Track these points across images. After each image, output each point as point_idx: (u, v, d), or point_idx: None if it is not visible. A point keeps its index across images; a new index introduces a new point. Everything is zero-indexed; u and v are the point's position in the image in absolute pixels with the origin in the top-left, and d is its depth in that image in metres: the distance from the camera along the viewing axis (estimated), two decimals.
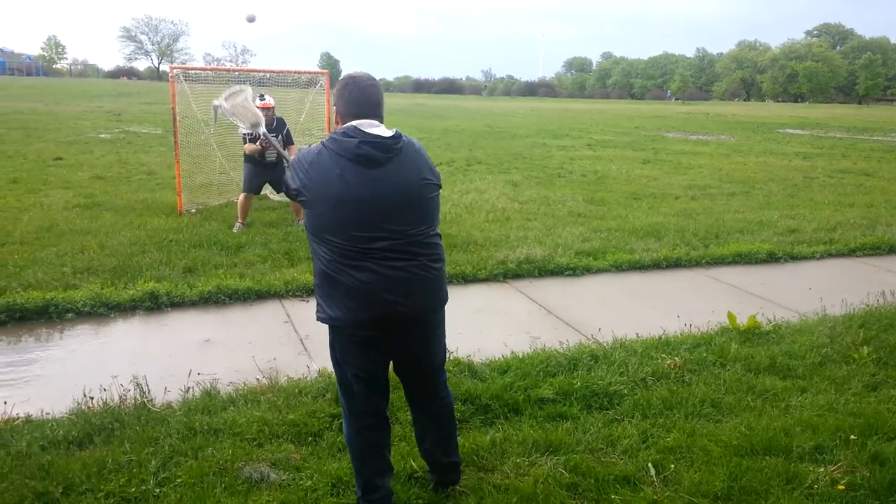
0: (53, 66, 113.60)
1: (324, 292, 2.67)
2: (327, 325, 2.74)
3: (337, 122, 2.71)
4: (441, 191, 2.80)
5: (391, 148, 2.61)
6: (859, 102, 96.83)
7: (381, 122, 2.67)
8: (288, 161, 8.30)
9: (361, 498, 2.87)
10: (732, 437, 3.52)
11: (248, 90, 4.02)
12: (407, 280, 2.64)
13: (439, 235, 2.78)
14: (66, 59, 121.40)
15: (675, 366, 4.35)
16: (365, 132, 2.59)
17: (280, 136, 8.07)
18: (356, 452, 2.86)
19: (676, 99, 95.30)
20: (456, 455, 3.12)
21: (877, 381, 4.27)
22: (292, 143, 8.34)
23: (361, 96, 2.66)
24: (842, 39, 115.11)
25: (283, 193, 8.44)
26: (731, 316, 5.17)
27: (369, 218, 2.56)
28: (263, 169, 8.08)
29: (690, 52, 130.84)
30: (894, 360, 4.57)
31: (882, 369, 4.43)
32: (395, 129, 2.65)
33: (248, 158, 8.02)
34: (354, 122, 2.62)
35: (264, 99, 8.00)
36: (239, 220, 8.11)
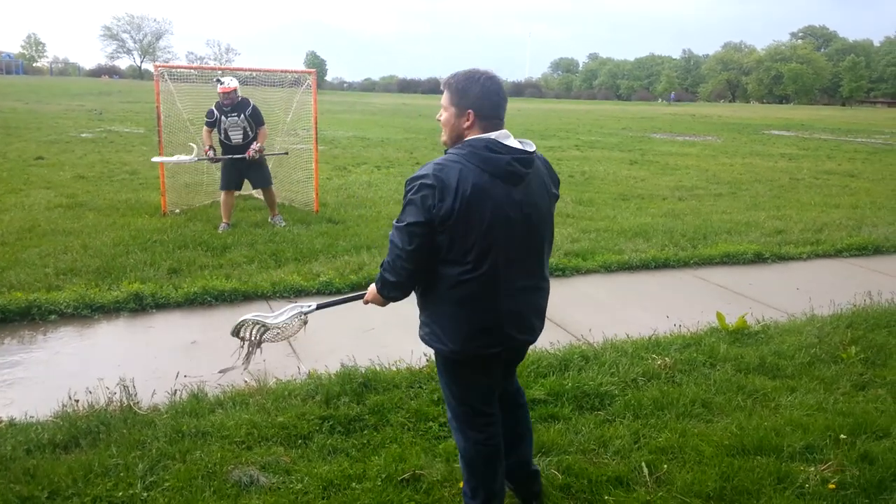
0: (34, 65, 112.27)
1: (448, 321, 2.50)
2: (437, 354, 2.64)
3: (466, 123, 2.44)
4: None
5: (532, 163, 2.46)
6: (843, 104, 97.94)
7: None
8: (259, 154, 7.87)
9: None
10: (724, 437, 3.52)
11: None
12: (538, 308, 2.63)
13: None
14: (46, 57, 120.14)
15: (665, 366, 4.35)
16: (509, 147, 2.40)
17: (243, 115, 7.92)
18: (482, 463, 2.70)
19: (678, 100, 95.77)
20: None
21: (865, 381, 4.30)
22: (262, 124, 8.12)
23: (501, 98, 2.45)
24: (826, 42, 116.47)
25: (261, 189, 8.38)
26: (720, 316, 5.18)
27: (515, 239, 2.44)
28: (238, 164, 7.99)
29: (676, 54, 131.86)
30: (881, 360, 4.60)
31: (870, 369, 4.46)
32: (528, 141, 2.49)
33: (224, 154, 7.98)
34: (493, 135, 2.40)
35: (222, 83, 7.89)
36: (224, 220, 8.03)
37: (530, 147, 2.46)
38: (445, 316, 2.51)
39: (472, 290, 2.44)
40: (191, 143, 8.23)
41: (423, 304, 2.60)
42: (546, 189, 2.56)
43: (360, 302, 2.89)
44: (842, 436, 3.53)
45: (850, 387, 4.19)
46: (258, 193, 9.78)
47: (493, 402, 2.72)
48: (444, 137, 2.54)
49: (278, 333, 3.30)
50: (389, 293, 2.59)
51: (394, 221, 2.47)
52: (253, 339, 3.28)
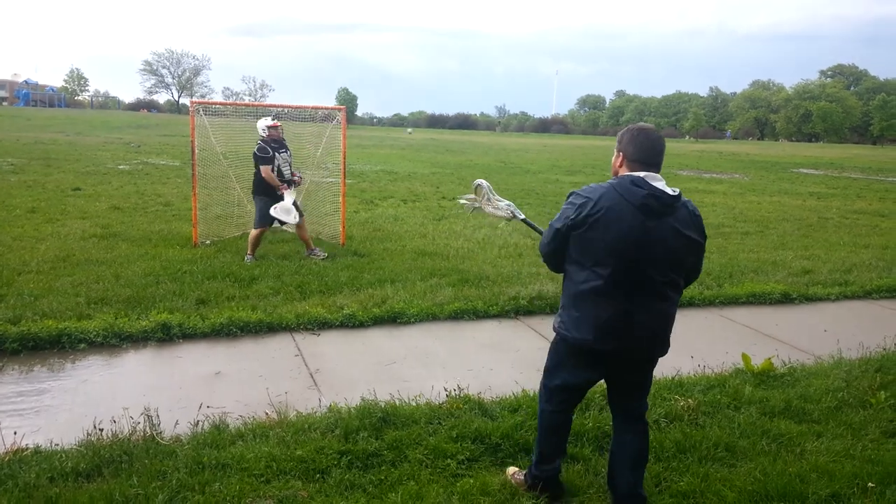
0: (75, 98, 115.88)
1: (571, 313, 2.98)
2: (556, 335, 3.11)
3: (620, 165, 2.98)
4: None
5: (670, 205, 2.86)
6: (874, 143, 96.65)
7: (660, 170, 2.93)
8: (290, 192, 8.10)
9: (535, 465, 3.30)
10: (747, 483, 3.45)
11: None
12: (651, 321, 2.94)
13: (681, 287, 3.05)
14: (87, 91, 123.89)
15: (688, 408, 4.29)
16: (651, 185, 2.84)
17: (289, 152, 8.40)
18: (544, 428, 3.28)
19: (735, 137, 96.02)
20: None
21: (895, 428, 4.18)
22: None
23: (651, 146, 2.92)
24: (856, 80, 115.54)
25: (287, 224, 8.50)
26: (745, 357, 5.11)
27: (640, 262, 2.84)
28: (275, 202, 8.19)
29: (703, 91, 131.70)
30: None
31: None
32: (677, 189, 2.90)
33: (263, 192, 8.13)
34: (643, 174, 2.87)
35: (274, 119, 8.32)
36: (249, 253, 8.19)
37: (674, 192, 2.87)
38: (573, 307, 2.98)
39: (594, 293, 2.89)
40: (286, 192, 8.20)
41: (562, 298, 3.09)
42: (681, 232, 2.90)
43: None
44: (870, 484, 3.44)
45: (879, 433, 4.09)
46: (287, 227, 9.97)
47: (573, 397, 3.22)
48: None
49: (493, 208, 3.87)
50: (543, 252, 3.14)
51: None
52: (480, 199, 3.90)
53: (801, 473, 3.54)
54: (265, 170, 8.07)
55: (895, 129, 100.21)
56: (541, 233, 3.28)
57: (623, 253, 2.82)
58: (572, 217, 2.88)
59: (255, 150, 8.17)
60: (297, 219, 8.21)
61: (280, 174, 8.15)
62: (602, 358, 3.01)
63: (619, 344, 2.93)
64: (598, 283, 2.86)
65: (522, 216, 3.75)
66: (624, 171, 2.94)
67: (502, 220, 3.91)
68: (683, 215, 2.91)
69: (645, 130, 2.97)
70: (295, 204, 8.26)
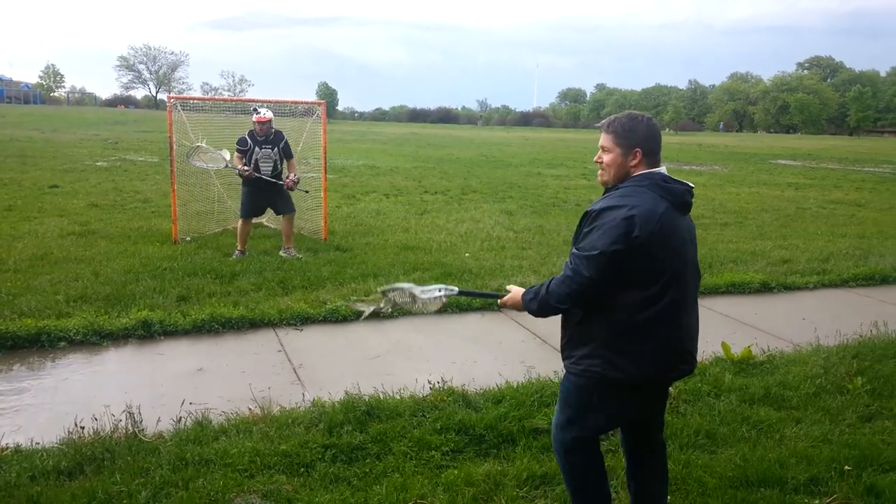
0: (51, 95, 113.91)
1: (620, 349, 2.50)
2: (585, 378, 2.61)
3: (633, 161, 2.55)
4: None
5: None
6: (850, 134, 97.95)
7: None
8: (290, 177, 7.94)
9: None
10: (727, 469, 3.50)
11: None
12: (696, 331, 2.68)
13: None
14: (63, 87, 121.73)
15: (669, 396, 4.33)
16: (680, 180, 2.56)
17: (277, 149, 8.10)
18: (583, 481, 2.79)
19: (726, 130, 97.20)
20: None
21: (871, 412, 4.27)
22: (291, 157, 8.34)
23: (660, 137, 2.62)
24: (832, 72, 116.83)
25: (283, 216, 8.39)
26: (725, 346, 5.18)
27: (689, 266, 2.57)
28: (261, 192, 8.10)
29: (683, 84, 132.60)
30: (888, 391, 4.57)
31: (876, 400, 4.43)
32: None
33: (245, 182, 8.08)
34: (661, 170, 2.56)
35: (259, 112, 8.06)
36: (238, 248, 8.12)
37: (690, 183, 2.60)
38: (625, 341, 2.50)
39: (657, 316, 2.48)
40: (225, 150, 8.24)
41: (590, 335, 2.55)
42: (692, 223, 2.69)
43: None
44: (847, 468, 3.51)
45: (855, 418, 4.17)
46: (269, 222, 9.92)
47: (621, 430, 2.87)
48: (605, 178, 2.65)
49: (420, 305, 3.13)
50: (543, 314, 2.63)
51: (574, 248, 2.52)
52: (395, 301, 3.10)
53: (780, 459, 3.60)
54: (235, 156, 8.01)
55: (871, 120, 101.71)
56: (487, 296, 2.78)
57: (681, 260, 2.51)
58: (635, 234, 2.38)
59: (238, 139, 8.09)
60: (222, 162, 8.13)
61: (257, 168, 7.99)
62: (651, 386, 2.66)
63: (684, 367, 2.61)
64: (664, 304, 2.47)
65: (457, 290, 3.01)
66: (640, 170, 2.54)
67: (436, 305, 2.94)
68: None
69: (649, 118, 2.60)
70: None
